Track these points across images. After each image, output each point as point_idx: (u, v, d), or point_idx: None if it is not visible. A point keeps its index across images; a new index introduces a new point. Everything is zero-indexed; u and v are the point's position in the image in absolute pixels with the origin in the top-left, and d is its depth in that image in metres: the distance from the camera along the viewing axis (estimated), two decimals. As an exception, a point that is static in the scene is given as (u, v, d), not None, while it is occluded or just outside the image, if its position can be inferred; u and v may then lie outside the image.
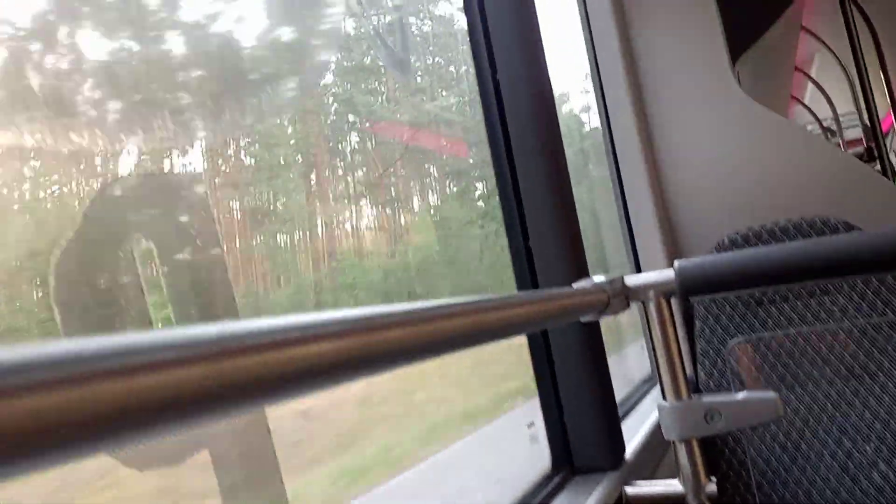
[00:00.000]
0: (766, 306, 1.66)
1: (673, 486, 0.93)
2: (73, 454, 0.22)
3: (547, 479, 1.02)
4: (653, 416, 1.38)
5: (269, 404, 0.36)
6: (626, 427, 1.31)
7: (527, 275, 1.10)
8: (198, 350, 0.26)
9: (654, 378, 1.89)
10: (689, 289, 0.99)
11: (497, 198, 1.16)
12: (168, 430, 0.25)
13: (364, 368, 0.43)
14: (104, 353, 0.23)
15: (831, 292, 1.62)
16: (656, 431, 1.31)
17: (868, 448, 1.52)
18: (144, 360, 0.24)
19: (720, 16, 1.88)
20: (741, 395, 0.90)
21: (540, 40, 1.17)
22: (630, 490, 0.98)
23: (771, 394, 0.88)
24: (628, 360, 1.95)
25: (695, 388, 1.42)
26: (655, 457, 1.29)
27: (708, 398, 0.92)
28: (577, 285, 1.01)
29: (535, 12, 1.18)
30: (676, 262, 0.99)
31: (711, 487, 0.90)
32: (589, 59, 1.88)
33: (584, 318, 1.03)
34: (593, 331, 1.07)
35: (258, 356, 0.30)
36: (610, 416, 1.08)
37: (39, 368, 0.21)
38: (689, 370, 1.81)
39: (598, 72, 1.81)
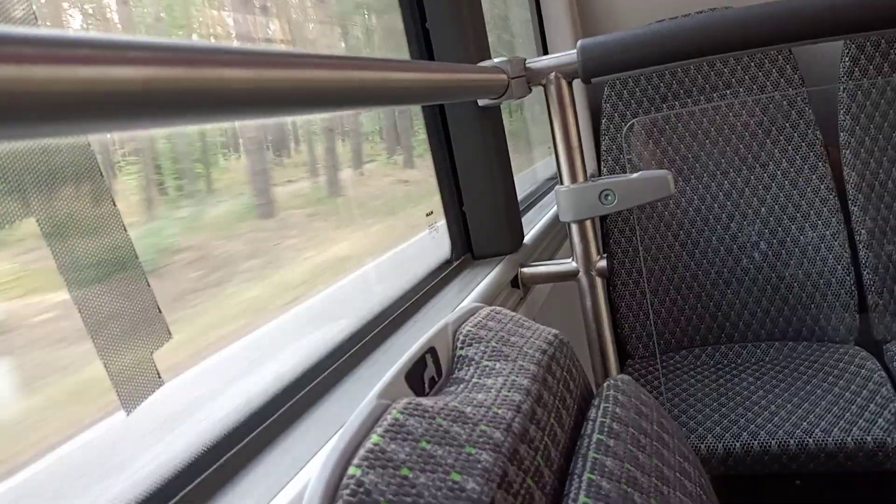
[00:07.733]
0: (670, 101, 1.66)
1: (566, 263, 0.95)
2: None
3: (446, 264, 1.03)
4: (552, 210, 1.40)
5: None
6: (527, 221, 1.33)
7: (425, 57, 1.03)
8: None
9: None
10: (592, 70, 0.95)
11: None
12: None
13: (237, 109, 0.39)
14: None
15: (733, 86, 1.63)
16: (554, 222, 1.33)
17: (753, 231, 1.62)
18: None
19: None
20: (635, 175, 0.90)
21: None
22: (526, 270, 1.00)
23: (663, 172, 0.88)
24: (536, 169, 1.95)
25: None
26: (552, 246, 1.32)
27: (603, 179, 0.92)
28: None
29: None
30: (579, 42, 0.94)
31: (602, 263, 0.93)
32: None
33: (483, 102, 0.99)
34: (493, 117, 1.04)
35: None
36: (509, 205, 1.07)
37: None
38: (592, 161, 1.83)
39: None
